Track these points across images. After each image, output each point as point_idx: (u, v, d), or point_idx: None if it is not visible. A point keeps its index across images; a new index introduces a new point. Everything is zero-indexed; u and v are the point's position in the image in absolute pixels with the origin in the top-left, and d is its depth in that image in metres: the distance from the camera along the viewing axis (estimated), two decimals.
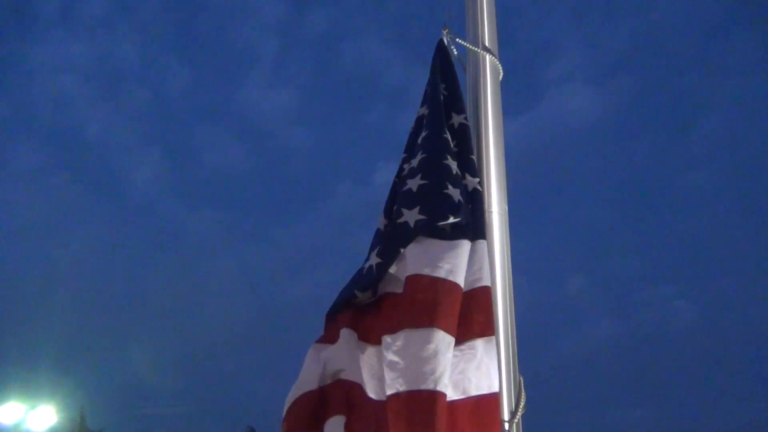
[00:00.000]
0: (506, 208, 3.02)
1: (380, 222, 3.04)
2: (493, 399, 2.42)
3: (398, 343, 2.48)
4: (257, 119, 79.80)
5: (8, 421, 21.23)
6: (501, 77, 3.31)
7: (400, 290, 2.67)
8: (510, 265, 2.91)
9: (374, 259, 2.80)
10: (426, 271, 2.60)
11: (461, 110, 3.15)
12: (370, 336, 2.67)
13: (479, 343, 2.47)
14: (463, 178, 2.92)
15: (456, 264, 2.61)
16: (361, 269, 2.90)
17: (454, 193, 2.79)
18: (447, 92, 3.21)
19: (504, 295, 2.81)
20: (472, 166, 2.97)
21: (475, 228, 2.77)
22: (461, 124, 3.10)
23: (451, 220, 2.72)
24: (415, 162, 2.99)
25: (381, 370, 2.50)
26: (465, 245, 2.68)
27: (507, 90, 3.33)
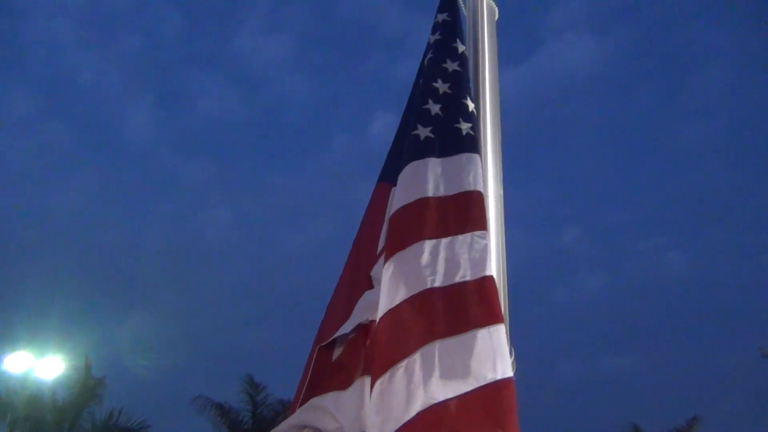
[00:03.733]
0: (502, 192, 3.10)
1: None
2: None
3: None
4: (252, 67, 78.60)
5: (17, 370, 21.71)
6: (497, 17, 3.45)
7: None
8: (505, 255, 2.96)
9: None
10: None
11: (462, 41, 3.32)
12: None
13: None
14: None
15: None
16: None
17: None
18: (450, 18, 3.38)
19: (499, 282, 2.81)
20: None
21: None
22: (455, 71, 3.24)
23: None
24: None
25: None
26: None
27: (505, 38, 3.48)
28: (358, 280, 3.30)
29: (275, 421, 26.81)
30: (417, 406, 2.33)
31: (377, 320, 2.62)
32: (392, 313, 2.58)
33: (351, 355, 3.03)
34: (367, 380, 2.92)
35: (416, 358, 2.42)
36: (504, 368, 2.37)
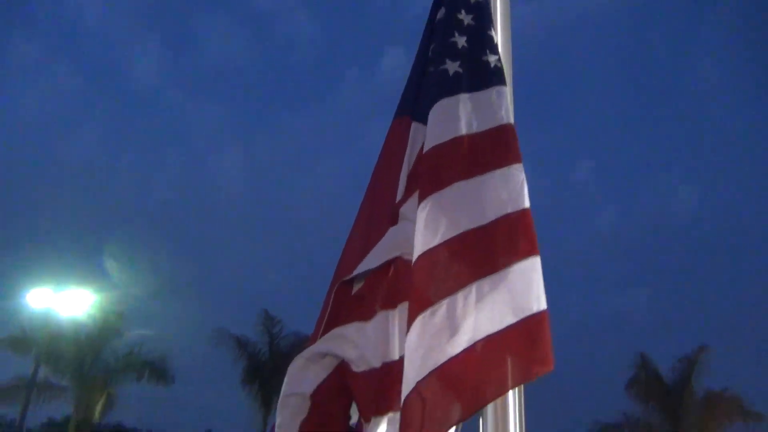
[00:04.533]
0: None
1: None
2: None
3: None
4: (259, 5, 76.89)
5: (38, 305, 22.30)
6: None
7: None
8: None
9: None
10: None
11: None
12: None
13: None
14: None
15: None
16: None
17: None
18: None
19: None
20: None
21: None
22: (476, 1, 3.17)
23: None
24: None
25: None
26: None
27: None
28: (377, 216, 3.32)
29: (292, 353, 27.58)
30: (461, 342, 2.35)
31: (414, 259, 2.63)
32: (432, 252, 2.58)
33: (373, 287, 3.08)
34: (391, 313, 2.98)
35: (459, 296, 2.44)
36: (542, 300, 2.37)
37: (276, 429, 3.30)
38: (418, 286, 2.59)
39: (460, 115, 2.86)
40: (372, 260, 3.12)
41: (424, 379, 2.40)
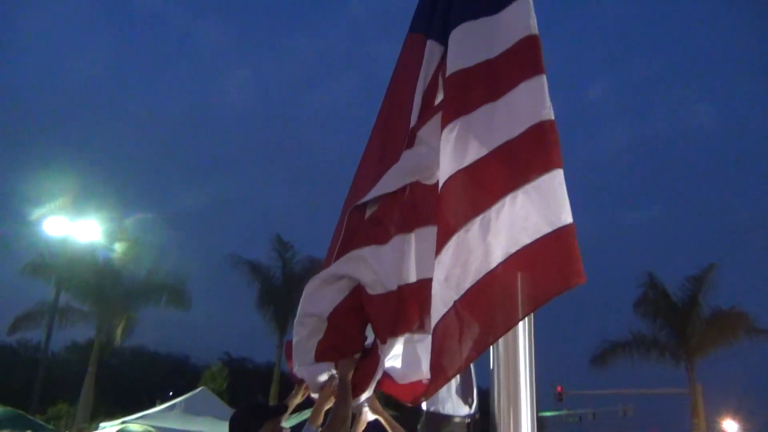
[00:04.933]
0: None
1: None
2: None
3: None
4: None
5: (55, 233, 22.64)
6: None
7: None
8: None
9: None
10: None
11: None
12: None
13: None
14: None
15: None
16: None
17: None
18: None
19: None
20: None
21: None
22: None
23: None
24: None
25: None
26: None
27: None
28: (392, 137, 3.28)
29: (305, 276, 28.10)
30: (497, 256, 2.36)
31: (442, 182, 2.63)
32: (463, 173, 2.57)
33: (390, 211, 3.09)
34: (407, 237, 2.99)
35: (492, 211, 2.42)
36: (570, 212, 2.31)
37: (293, 346, 3.39)
38: (450, 206, 2.58)
39: (484, 39, 2.77)
40: (387, 184, 3.11)
41: (462, 297, 2.42)
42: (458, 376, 4.01)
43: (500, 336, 2.34)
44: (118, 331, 26.01)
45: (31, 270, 25.30)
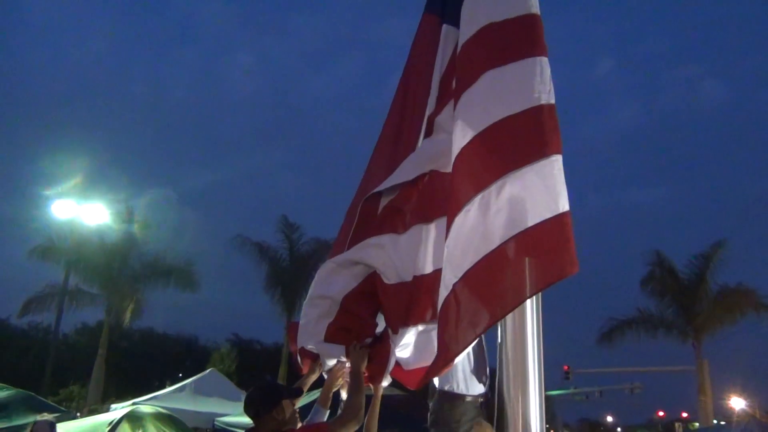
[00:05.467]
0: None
1: None
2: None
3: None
4: None
5: (63, 216, 22.73)
6: None
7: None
8: None
9: None
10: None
11: None
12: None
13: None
14: None
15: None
16: None
17: None
18: None
19: None
20: None
21: None
22: None
23: None
24: None
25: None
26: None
27: None
28: (408, 123, 3.25)
29: (312, 258, 28.16)
30: (495, 238, 2.34)
31: (452, 164, 2.60)
32: (465, 150, 2.55)
33: (409, 200, 3.06)
34: (425, 227, 2.98)
35: (492, 190, 2.40)
36: (566, 200, 2.32)
37: (300, 327, 3.39)
38: (456, 188, 2.56)
39: (487, 6, 2.73)
40: (406, 173, 3.08)
41: (460, 280, 2.41)
42: (471, 356, 4.02)
43: (498, 319, 2.35)
44: (127, 314, 26.18)
45: (40, 253, 25.44)
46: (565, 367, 36.88)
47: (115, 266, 26.58)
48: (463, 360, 3.98)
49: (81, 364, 31.45)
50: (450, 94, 2.94)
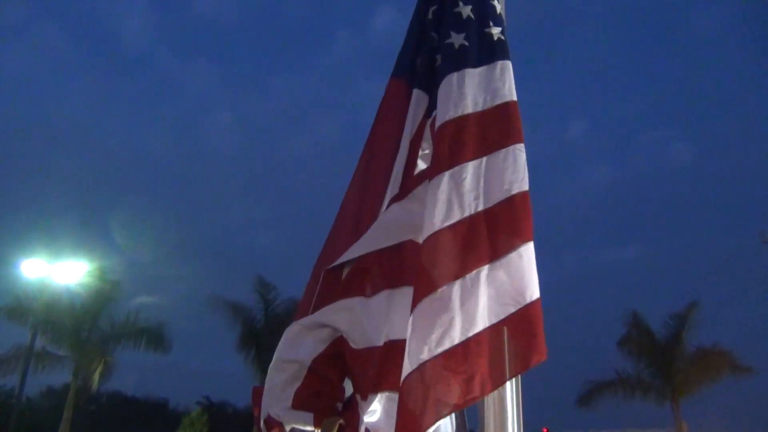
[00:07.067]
0: None
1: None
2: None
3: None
4: None
5: (33, 275, 22.26)
6: None
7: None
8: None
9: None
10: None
11: None
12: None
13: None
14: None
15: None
16: None
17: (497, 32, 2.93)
18: None
19: None
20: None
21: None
22: None
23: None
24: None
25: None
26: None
27: None
28: (373, 184, 3.26)
29: (287, 319, 27.73)
30: (465, 329, 2.39)
31: (423, 239, 2.63)
32: (439, 234, 2.59)
33: (380, 264, 3.03)
34: (397, 292, 2.94)
35: (466, 280, 2.47)
36: (537, 287, 2.43)
37: (265, 392, 3.26)
38: (426, 267, 2.59)
39: (466, 92, 2.86)
40: (377, 241, 3.07)
41: (427, 361, 2.42)
42: (452, 419, 3.93)
43: (458, 409, 2.42)
44: (96, 376, 25.39)
45: (6, 313, 24.76)
46: (545, 430, 36.31)
47: (85, 327, 25.91)
48: (445, 422, 3.88)
49: (45, 429, 30.18)
50: (425, 171, 3.00)
